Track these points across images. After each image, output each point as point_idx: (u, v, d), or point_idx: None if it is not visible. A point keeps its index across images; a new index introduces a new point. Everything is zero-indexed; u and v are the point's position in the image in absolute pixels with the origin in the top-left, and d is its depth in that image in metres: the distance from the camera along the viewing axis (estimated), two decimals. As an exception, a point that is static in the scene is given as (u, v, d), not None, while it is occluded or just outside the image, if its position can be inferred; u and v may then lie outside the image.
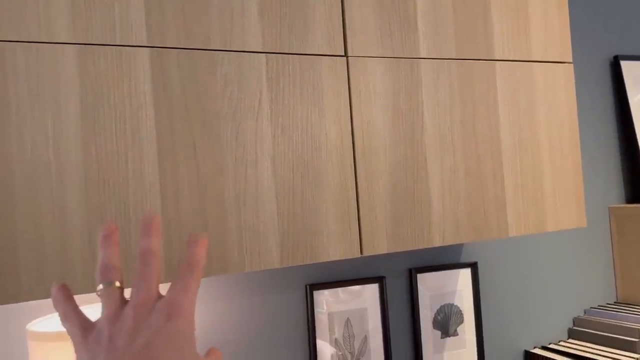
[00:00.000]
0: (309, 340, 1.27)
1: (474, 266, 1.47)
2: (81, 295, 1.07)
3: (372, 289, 1.34)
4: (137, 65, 0.78)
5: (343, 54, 0.93)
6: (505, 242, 1.56)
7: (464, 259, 1.49)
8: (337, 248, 0.90)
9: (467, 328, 1.45)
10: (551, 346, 1.55)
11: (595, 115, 1.72)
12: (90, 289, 0.74)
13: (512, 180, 1.08)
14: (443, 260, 1.46)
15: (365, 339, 1.32)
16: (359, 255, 0.92)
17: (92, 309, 1.00)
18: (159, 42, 0.80)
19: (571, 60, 1.16)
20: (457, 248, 1.48)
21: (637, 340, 1.44)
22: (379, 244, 0.94)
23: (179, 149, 0.80)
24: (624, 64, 1.73)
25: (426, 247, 0.98)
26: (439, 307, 1.43)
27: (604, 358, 1.40)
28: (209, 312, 1.18)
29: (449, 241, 1.00)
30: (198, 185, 0.81)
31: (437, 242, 0.99)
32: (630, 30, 1.81)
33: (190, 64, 0.82)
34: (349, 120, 0.93)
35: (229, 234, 0.82)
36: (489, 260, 1.52)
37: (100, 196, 0.75)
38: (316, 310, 1.28)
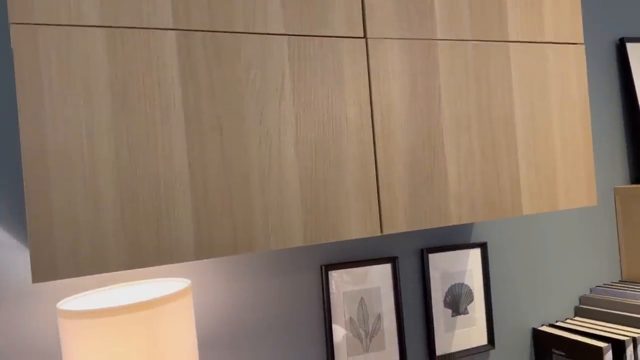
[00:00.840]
0: (324, 319, 1.30)
1: (483, 246, 1.50)
2: (113, 273, 1.09)
3: (385, 269, 1.37)
4: (164, 48, 0.79)
5: (362, 36, 0.94)
6: (513, 222, 1.58)
7: (474, 239, 1.51)
8: (358, 227, 0.92)
9: (477, 306, 1.48)
10: (558, 324, 1.59)
11: (601, 97, 1.73)
12: (121, 266, 0.77)
13: (525, 160, 1.10)
14: (454, 240, 1.48)
15: (378, 318, 1.35)
16: (379, 234, 0.95)
17: (114, 290, 1.02)
18: (184, 25, 0.81)
19: (582, 42, 1.17)
20: (467, 228, 1.51)
21: (642, 316, 1.48)
22: (398, 223, 0.96)
23: (206, 130, 0.82)
24: (629, 46, 1.75)
25: (443, 225, 1.00)
26: (449, 286, 1.46)
27: (610, 334, 1.44)
28: (227, 291, 1.21)
29: (465, 220, 1.03)
30: (224, 166, 0.83)
31: (454, 221, 1.02)
32: (636, 12, 1.82)
33: (214, 47, 0.83)
34: (369, 101, 0.95)
35: (254, 213, 0.84)
36: (498, 240, 1.55)
37: (131, 176, 0.77)
38: (331, 290, 1.30)
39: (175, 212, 0.79)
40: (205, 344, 1.18)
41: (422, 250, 1.43)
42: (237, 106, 0.84)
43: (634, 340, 1.42)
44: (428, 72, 1.00)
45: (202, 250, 0.81)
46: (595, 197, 1.17)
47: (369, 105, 0.95)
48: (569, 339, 1.46)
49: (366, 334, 1.34)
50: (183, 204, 0.80)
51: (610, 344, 1.39)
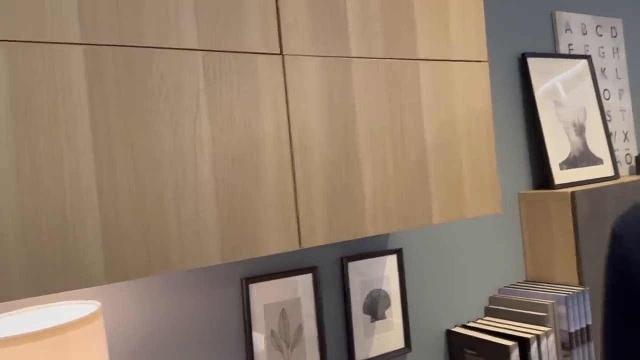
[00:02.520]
0: (245, 333, 1.29)
1: (399, 252, 1.56)
2: (5, 300, 1.02)
3: (306, 279, 1.38)
4: (71, 63, 0.76)
5: (279, 53, 0.95)
6: (426, 229, 1.65)
7: (390, 245, 1.56)
8: (276, 242, 0.93)
9: (394, 311, 1.54)
10: (470, 324, 1.68)
11: (505, 109, 1.86)
12: (24, 293, 0.72)
13: (434, 172, 1.15)
14: (371, 248, 1.52)
15: (300, 328, 1.36)
16: (298, 248, 0.96)
17: (15, 315, 0.95)
18: (93, 39, 0.78)
19: (487, 59, 1.25)
20: (383, 236, 1.55)
21: (545, 314, 1.60)
22: (317, 236, 0.98)
23: (115, 147, 0.79)
24: (530, 60, 1.88)
25: (361, 237, 1.03)
26: (368, 292, 1.49)
27: (516, 333, 1.54)
28: (141, 310, 1.17)
29: (381, 231, 1.06)
30: (136, 184, 0.80)
31: (371, 232, 1.05)
32: (536, 29, 1.97)
33: (125, 62, 0.80)
34: (286, 117, 0.95)
35: (168, 232, 0.82)
36: (412, 246, 1.61)
37: (34, 195, 0.72)
38: (252, 303, 1.30)
39: (82, 233, 0.75)
40: (120, 366, 1.13)
41: (342, 259, 1.45)
42: (150, 122, 0.82)
43: (538, 337, 1.53)
44: (343, 89, 1.02)
45: (114, 272, 0.78)
46: (499, 205, 1.26)
47: (287, 120, 0.95)
48: (479, 338, 1.55)
49: (287, 345, 1.34)
50: (91, 224, 0.76)
51: (516, 342, 1.48)
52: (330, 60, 1.01)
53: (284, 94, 0.95)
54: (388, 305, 1.53)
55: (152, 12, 0.83)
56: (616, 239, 0.72)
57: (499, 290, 1.80)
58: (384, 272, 1.53)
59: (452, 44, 1.19)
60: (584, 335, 1.64)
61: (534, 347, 1.51)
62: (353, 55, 1.04)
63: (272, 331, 1.32)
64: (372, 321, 1.49)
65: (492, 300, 1.76)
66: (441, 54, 1.17)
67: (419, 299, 1.61)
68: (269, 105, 0.93)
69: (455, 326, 1.67)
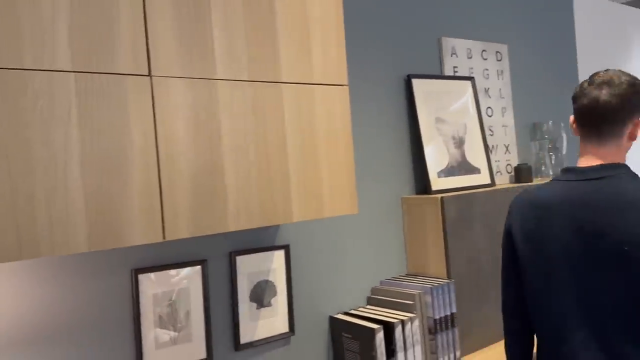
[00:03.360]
0: (134, 319, 1.45)
1: (286, 248, 1.76)
2: None
3: (195, 271, 1.56)
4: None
5: (147, 74, 1.13)
6: (317, 227, 1.86)
7: (279, 242, 1.76)
8: (141, 235, 1.10)
9: (280, 299, 1.73)
10: (351, 311, 1.90)
11: (392, 124, 2.09)
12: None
13: (295, 179, 1.36)
14: (260, 243, 1.72)
15: (187, 314, 1.54)
16: (162, 240, 1.14)
17: None
18: (-28, 62, 0.93)
19: (346, 83, 1.47)
20: (272, 232, 1.75)
21: (412, 302, 1.83)
22: (181, 231, 1.16)
23: (-7, 153, 0.95)
24: (414, 81, 2.13)
25: (223, 231, 1.22)
26: (255, 283, 1.69)
27: (385, 318, 1.77)
28: (35, 298, 1.32)
29: (242, 226, 1.25)
30: (10, 189, 0.96)
31: (232, 228, 1.24)
32: (419, 53, 2.22)
33: (3, 81, 0.96)
34: (153, 131, 1.13)
35: (38, 224, 0.99)
36: (301, 242, 1.81)
37: None
38: (141, 291, 1.46)
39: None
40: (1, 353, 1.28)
41: (230, 253, 1.64)
42: (24, 133, 0.98)
43: (402, 322, 1.76)
44: (209, 107, 1.21)
45: (-12, 257, 0.93)
46: (356, 207, 1.47)
47: (154, 135, 1.13)
48: (354, 323, 1.77)
49: (174, 329, 1.52)
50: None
51: (381, 326, 1.71)
52: (197, 81, 1.20)
53: (152, 110, 1.13)
54: (274, 294, 1.73)
55: (29, 37, 0.99)
56: (508, 211, 1.31)
57: (381, 282, 2.03)
58: (272, 265, 1.73)
59: (313, 68, 1.40)
60: (448, 321, 1.89)
61: (398, 330, 1.74)
62: (219, 77, 1.23)
63: (159, 316, 1.49)
64: (258, 308, 1.69)
65: (374, 290, 1.99)
66: (303, 78, 1.38)
67: (305, 289, 1.82)
68: (137, 120, 1.11)
69: (338, 313, 1.89)
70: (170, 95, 1.16)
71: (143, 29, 1.13)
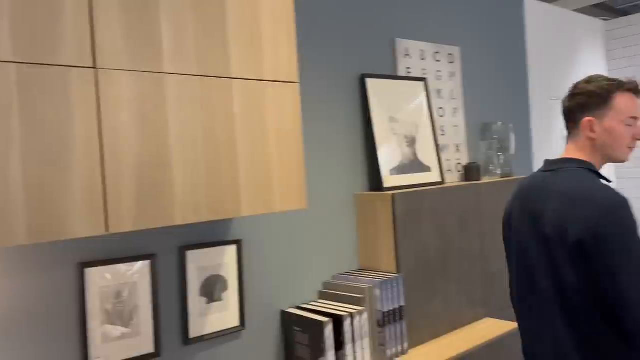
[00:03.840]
0: (80, 313, 1.44)
1: (239, 243, 1.77)
2: None
3: (144, 265, 1.56)
4: None
5: (92, 66, 1.13)
6: (271, 223, 1.88)
7: (232, 237, 1.78)
8: (83, 227, 1.10)
9: (231, 294, 1.75)
10: (303, 305, 1.93)
11: (346, 122, 2.13)
12: None
13: (245, 174, 1.38)
14: (211, 238, 1.73)
15: (135, 308, 1.54)
16: (105, 233, 1.14)
17: None
18: None
19: (297, 81, 1.49)
20: (224, 227, 1.76)
21: (362, 296, 1.88)
22: (125, 224, 1.16)
23: None
24: (368, 81, 2.18)
25: (169, 225, 1.23)
26: (206, 277, 1.70)
27: (335, 311, 1.81)
28: (-23, 290, 1.29)
29: (189, 220, 1.27)
30: (-54, 174, 0.95)
31: (179, 221, 1.25)
32: (377, 54, 2.27)
33: (-61, 70, 0.94)
34: (97, 124, 1.13)
35: (-22, 215, 0.98)
36: (254, 237, 1.83)
37: None
38: (87, 285, 1.45)
39: None
40: (-51, 340, 1.25)
41: (181, 248, 1.64)
42: (-39, 123, 0.97)
43: (352, 315, 1.80)
44: (156, 100, 1.22)
45: None
46: (305, 202, 1.50)
47: (98, 127, 1.13)
48: (305, 317, 1.80)
49: (121, 323, 1.51)
50: None
51: (331, 319, 1.75)
52: (144, 75, 1.20)
53: (96, 102, 1.13)
54: (225, 289, 1.74)
55: (-31, 29, 0.98)
56: (626, 199, 1.22)
57: (333, 277, 2.06)
58: (223, 260, 1.74)
59: (264, 65, 1.42)
60: (396, 314, 1.95)
61: (347, 323, 1.78)
62: (166, 71, 1.24)
63: (106, 311, 1.49)
64: (208, 303, 1.70)
65: (326, 285, 2.03)
66: (254, 74, 1.40)
67: (257, 284, 1.83)
68: (81, 113, 1.11)
69: (289, 307, 1.91)
70: (116, 88, 1.16)
71: (88, 20, 1.12)
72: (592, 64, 3.82)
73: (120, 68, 1.17)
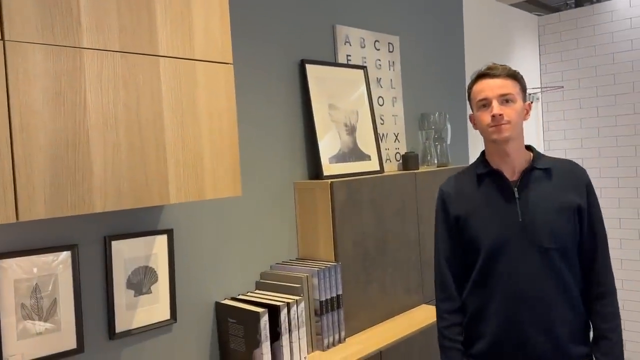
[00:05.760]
0: (-9, 306, 1.32)
1: (170, 232, 1.69)
2: None
3: (64, 256, 1.45)
4: None
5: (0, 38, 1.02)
6: (204, 211, 1.81)
7: (161, 226, 1.69)
8: (-12, 214, 1.00)
9: (161, 286, 1.67)
10: (239, 297, 1.87)
11: (286, 108, 2.08)
12: None
13: (173, 158, 1.30)
14: (139, 228, 1.64)
15: (55, 302, 1.43)
16: (15, 221, 1.04)
17: None
18: None
19: (231, 62, 1.43)
20: (155, 216, 1.67)
21: (299, 285, 1.85)
22: (38, 211, 1.07)
23: None
24: (308, 67, 2.13)
25: (88, 212, 1.14)
26: (133, 269, 1.61)
27: (271, 302, 1.77)
28: None
29: (111, 207, 1.18)
30: None
31: (99, 209, 1.16)
32: (318, 40, 2.23)
33: None
34: (6, 100, 1.03)
35: None
36: (186, 226, 1.76)
37: None
38: (1, 278, 1.33)
39: None
40: None
41: (105, 238, 1.55)
42: None
43: (288, 305, 1.77)
44: (73, 77, 1.12)
45: None
46: (239, 189, 1.45)
47: (6, 104, 1.03)
48: (240, 307, 1.75)
49: (40, 317, 1.41)
50: None
51: (266, 309, 1.70)
52: (59, 49, 1.10)
53: (4, 77, 1.03)
54: (155, 280, 1.66)
55: None
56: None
57: (271, 267, 2.02)
58: (152, 250, 1.65)
59: (194, 44, 1.35)
60: (334, 303, 1.93)
61: (283, 313, 1.74)
62: (85, 46, 1.14)
63: (22, 304, 1.38)
64: (136, 295, 1.61)
65: (263, 275, 1.98)
66: (183, 53, 1.32)
67: (190, 275, 1.76)
68: (-15, 87, 1.00)
69: (224, 299, 1.85)
70: (27, 63, 1.06)
71: (-7, -14, 1.01)
72: (527, 56, 3.96)
73: (32, 41, 1.06)
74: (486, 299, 1.52)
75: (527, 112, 1.54)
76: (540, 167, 1.51)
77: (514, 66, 3.78)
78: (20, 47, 1.05)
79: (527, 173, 1.51)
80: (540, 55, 4.12)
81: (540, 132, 4.13)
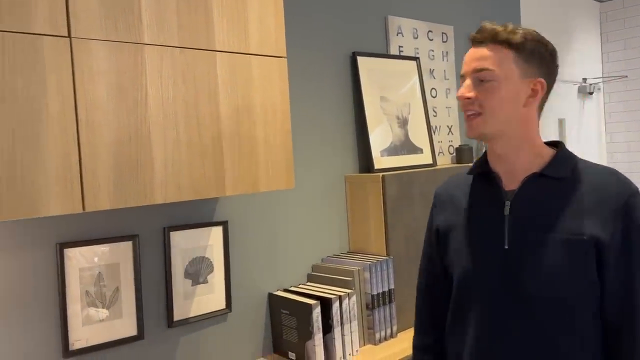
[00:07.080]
0: (59, 294, 1.39)
1: (225, 224, 1.72)
2: None
3: (126, 246, 1.51)
4: None
5: (66, 35, 1.06)
6: (258, 204, 1.83)
7: (217, 218, 1.73)
8: (58, 205, 1.05)
9: (217, 276, 1.71)
10: (292, 288, 1.89)
11: (337, 101, 2.08)
12: None
13: (230, 152, 1.32)
14: (196, 219, 1.68)
15: (117, 290, 1.49)
16: (82, 211, 1.08)
17: None
18: None
19: (285, 56, 1.44)
20: (210, 208, 1.71)
21: (351, 279, 1.84)
22: (102, 202, 1.11)
23: None
24: (359, 59, 2.12)
25: (149, 204, 1.18)
26: (190, 259, 1.65)
27: (323, 294, 1.77)
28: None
29: (171, 199, 1.22)
30: None
31: (160, 200, 1.20)
32: (370, 31, 2.21)
33: None
34: (73, 96, 1.07)
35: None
36: (241, 218, 1.79)
37: None
38: (66, 266, 1.40)
39: None
40: None
41: (164, 229, 1.59)
42: None
43: (340, 298, 1.77)
44: (135, 72, 1.16)
45: None
46: (292, 182, 1.46)
47: (73, 99, 1.07)
48: (292, 299, 1.76)
49: (103, 305, 1.47)
50: None
51: (318, 301, 1.71)
52: (122, 45, 1.14)
53: (71, 74, 1.07)
54: (211, 271, 1.70)
55: None
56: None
57: (322, 260, 2.03)
58: (208, 241, 1.69)
59: (249, 38, 1.36)
60: (385, 297, 1.92)
61: (335, 305, 1.75)
62: (146, 42, 1.17)
63: (87, 292, 1.44)
64: (193, 285, 1.65)
65: (315, 268, 1.99)
66: (238, 47, 1.34)
67: (244, 266, 1.79)
68: (54, 84, 1.05)
69: (277, 290, 1.88)
70: (92, 59, 1.10)
71: (61, -14, 1.06)
72: (587, 44, 3.78)
73: (97, 38, 1.10)
74: (461, 348, 1.09)
75: (535, 94, 1.02)
76: (552, 176, 1.02)
77: (575, 53, 3.61)
78: (85, 44, 1.09)
79: (530, 182, 1.03)
80: (602, 43, 3.92)
81: (602, 125, 3.94)
